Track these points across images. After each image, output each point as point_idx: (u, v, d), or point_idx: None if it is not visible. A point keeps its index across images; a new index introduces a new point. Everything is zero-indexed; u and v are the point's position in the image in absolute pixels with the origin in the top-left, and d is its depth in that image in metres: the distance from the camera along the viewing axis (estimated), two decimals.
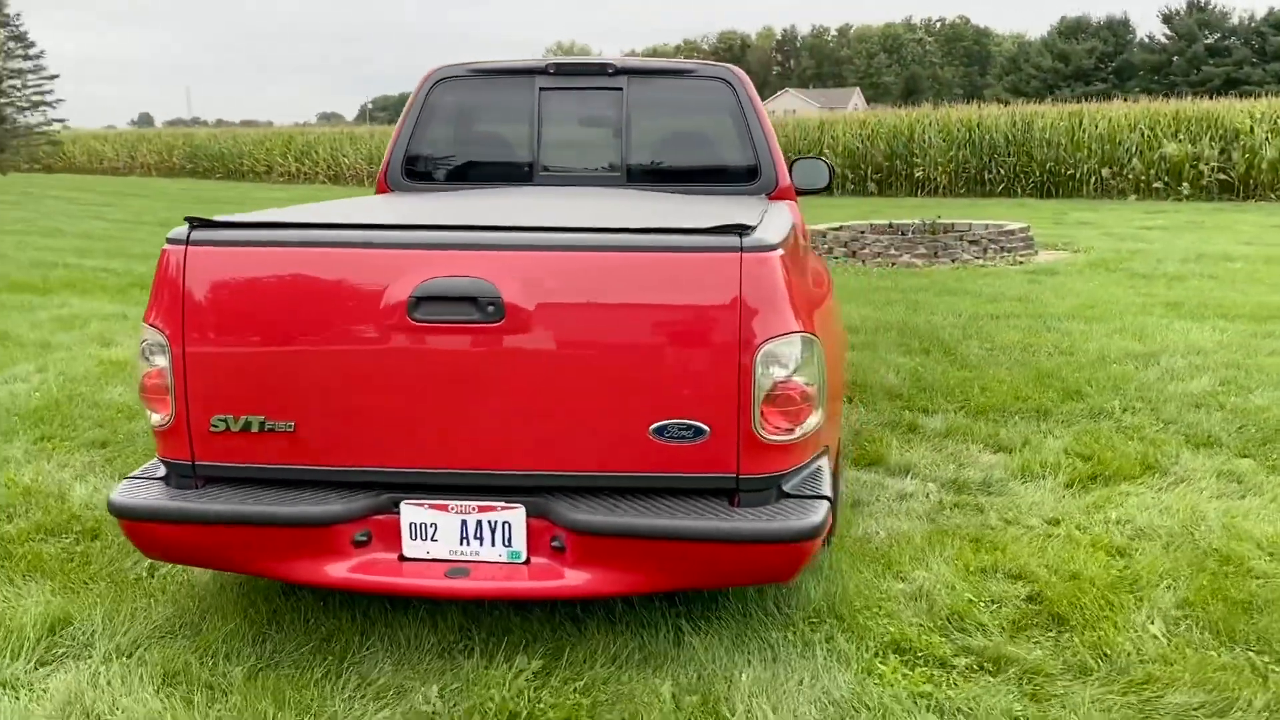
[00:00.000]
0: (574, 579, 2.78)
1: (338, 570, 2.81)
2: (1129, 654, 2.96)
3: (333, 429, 2.81)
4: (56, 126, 40.68)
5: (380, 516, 2.83)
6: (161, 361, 2.82)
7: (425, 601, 3.16)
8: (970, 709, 2.70)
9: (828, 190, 5.73)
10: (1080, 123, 25.62)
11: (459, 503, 2.81)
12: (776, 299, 2.75)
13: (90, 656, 2.93)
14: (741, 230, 2.73)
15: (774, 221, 3.06)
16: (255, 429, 2.81)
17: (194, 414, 2.82)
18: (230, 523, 2.78)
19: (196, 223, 2.84)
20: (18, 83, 38.12)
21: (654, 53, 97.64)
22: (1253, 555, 3.65)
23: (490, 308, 2.69)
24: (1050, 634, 3.11)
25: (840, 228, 14.53)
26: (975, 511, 4.17)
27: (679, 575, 2.80)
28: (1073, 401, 5.74)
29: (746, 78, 4.83)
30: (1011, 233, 13.40)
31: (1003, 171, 26.72)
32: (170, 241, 2.82)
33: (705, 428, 2.73)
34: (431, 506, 2.81)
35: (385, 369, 2.75)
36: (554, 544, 2.79)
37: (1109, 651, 2.97)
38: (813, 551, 2.77)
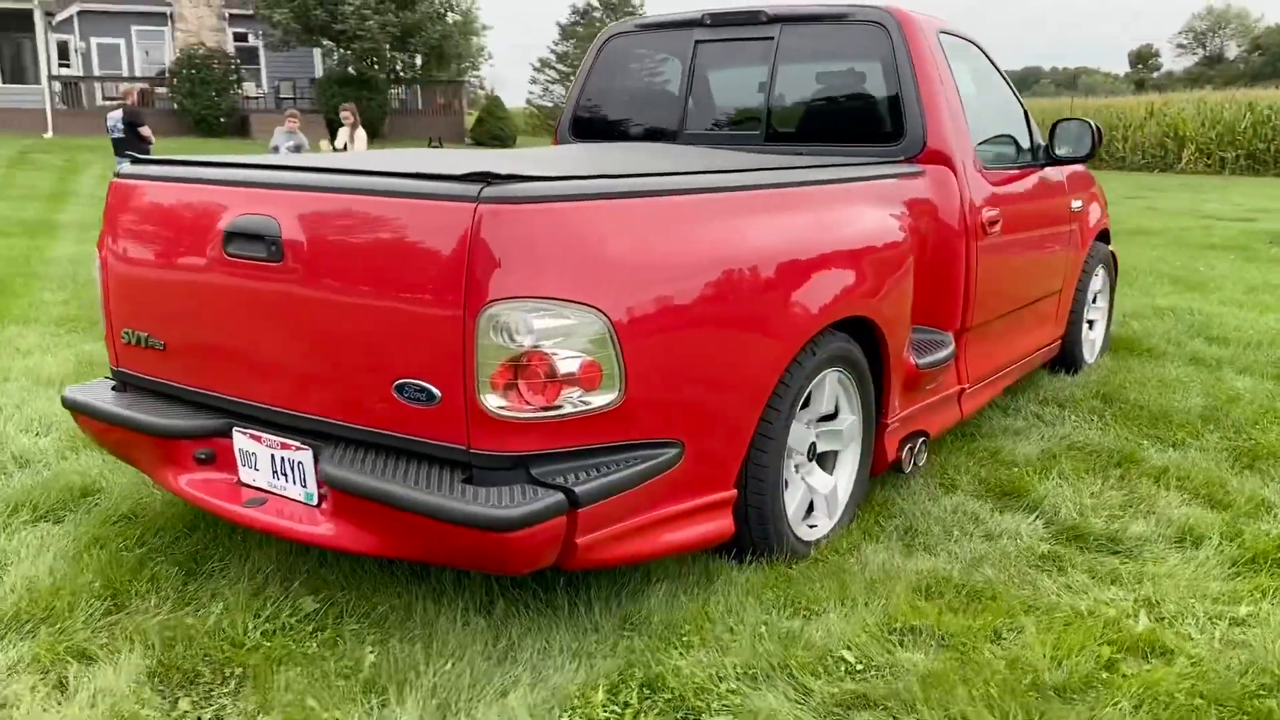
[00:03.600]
0: (324, 530, 2.73)
1: (180, 481, 3.03)
2: None
3: (187, 352, 3.03)
4: None
5: (222, 440, 3.00)
6: (99, 280, 3.26)
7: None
8: None
9: (1089, 158, 4.75)
10: None
11: (269, 436, 2.88)
12: (523, 258, 2.44)
13: (64, 521, 3.49)
14: (487, 179, 2.45)
15: (611, 178, 2.68)
16: (142, 344, 3.13)
17: (114, 327, 3.22)
18: (112, 423, 3.13)
19: (131, 159, 3.22)
20: None
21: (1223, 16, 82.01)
22: None
23: (273, 246, 2.72)
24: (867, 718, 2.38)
25: None
26: (1049, 570, 3.24)
27: (404, 545, 2.63)
28: None
29: (914, 20, 4.10)
30: None
31: None
32: (113, 175, 3.23)
33: (436, 392, 2.52)
34: (250, 437, 2.92)
35: (214, 300, 2.90)
36: (322, 492, 2.77)
37: None
38: (527, 547, 2.43)
